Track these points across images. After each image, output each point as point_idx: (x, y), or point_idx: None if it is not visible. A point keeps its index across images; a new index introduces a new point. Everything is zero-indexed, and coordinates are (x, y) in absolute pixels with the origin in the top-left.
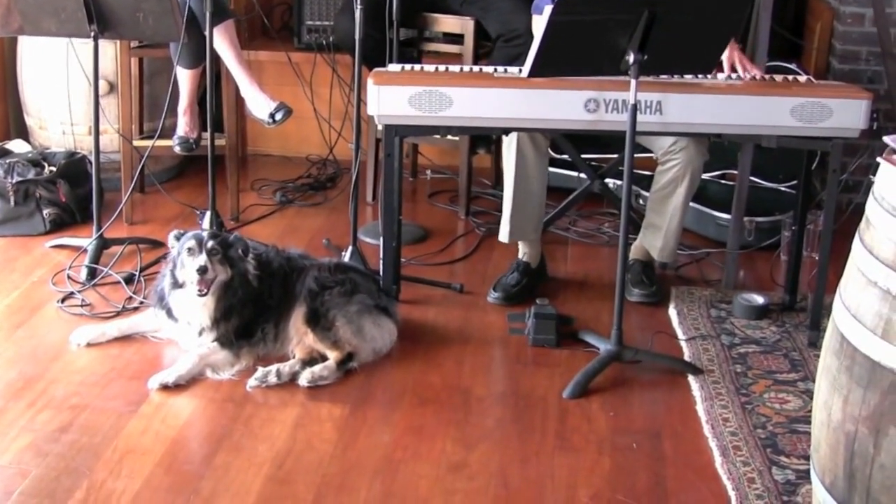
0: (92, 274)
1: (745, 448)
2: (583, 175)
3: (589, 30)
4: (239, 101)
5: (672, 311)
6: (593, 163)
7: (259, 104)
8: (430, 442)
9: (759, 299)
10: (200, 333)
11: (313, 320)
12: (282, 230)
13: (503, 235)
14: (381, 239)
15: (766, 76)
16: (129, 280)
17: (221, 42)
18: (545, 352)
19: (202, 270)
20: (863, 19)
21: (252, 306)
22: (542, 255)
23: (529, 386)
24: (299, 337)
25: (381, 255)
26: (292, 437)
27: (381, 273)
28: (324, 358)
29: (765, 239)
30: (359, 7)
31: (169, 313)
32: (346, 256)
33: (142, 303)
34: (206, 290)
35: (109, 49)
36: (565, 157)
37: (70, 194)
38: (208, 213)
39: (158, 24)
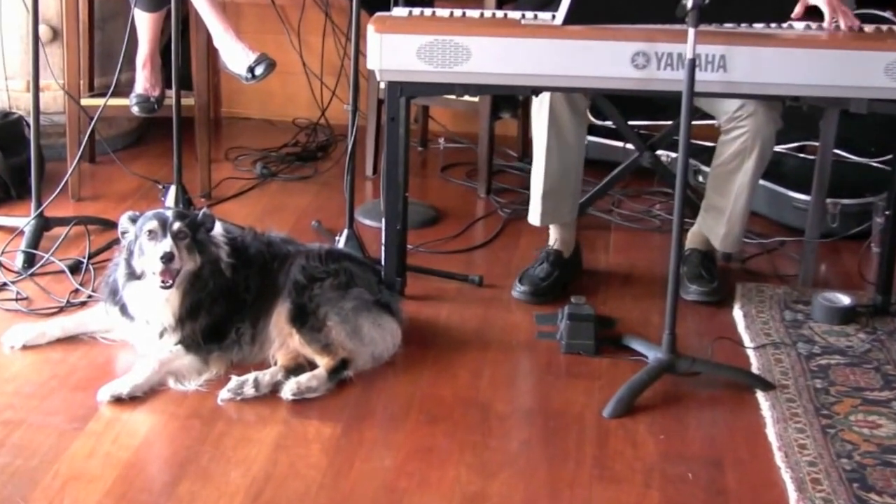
0: (30, 261)
1: (826, 482)
2: (629, 146)
3: None
4: (211, 53)
5: (737, 313)
6: (642, 131)
7: (235, 56)
8: (440, 469)
9: (845, 300)
10: (162, 335)
11: (300, 319)
12: (262, 209)
13: (533, 217)
14: (384, 221)
15: (859, 26)
16: (74, 269)
17: None
18: (581, 360)
19: (167, 258)
20: None
21: (225, 302)
22: (578, 243)
23: (562, 402)
24: (282, 339)
25: (383, 241)
26: (272, 462)
27: (382, 262)
28: (312, 365)
29: (852, 226)
30: None
31: (123, 310)
32: (341, 242)
33: (90, 297)
34: (170, 282)
35: None
36: (608, 123)
37: (2, 164)
38: (173, 189)
39: None
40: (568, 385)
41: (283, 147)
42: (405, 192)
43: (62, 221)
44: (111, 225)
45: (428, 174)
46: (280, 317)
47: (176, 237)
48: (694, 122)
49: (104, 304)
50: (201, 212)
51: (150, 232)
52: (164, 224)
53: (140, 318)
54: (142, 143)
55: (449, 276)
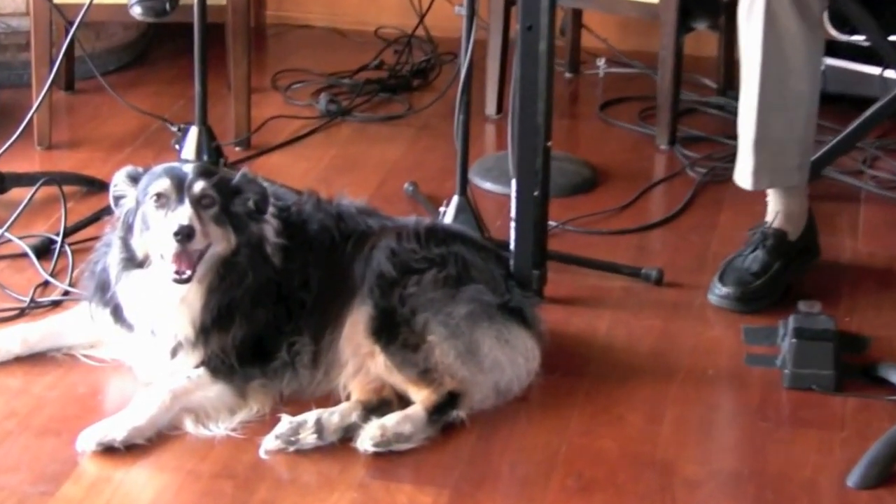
0: None
1: None
2: (891, 73)
3: None
4: None
5: None
6: None
7: None
8: None
9: None
10: (176, 352)
11: (386, 331)
12: (329, 165)
13: (742, 177)
14: (514, 185)
15: None
16: (42, 251)
17: None
18: (814, 399)
19: (183, 234)
20: None
21: (271, 303)
22: (811, 220)
23: (784, 462)
24: (359, 361)
25: (513, 215)
26: None
27: (511, 247)
28: (404, 401)
29: None
30: None
31: (117, 314)
32: (448, 215)
33: (67, 294)
34: (188, 272)
35: None
36: (858, 38)
37: None
38: (193, 132)
39: None
40: (794, 436)
41: (360, 71)
42: (547, 142)
43: (24, 180)
44: (98, 186)
45: (581, 114)
46: (356, 327)
47: (198, 204)
48: None
49: (88, 304)
50: (239, 174)
51: (159, 196)
52: (179, 184)
53: (143, 327)
54: (145, 62)
55: (612, 268)
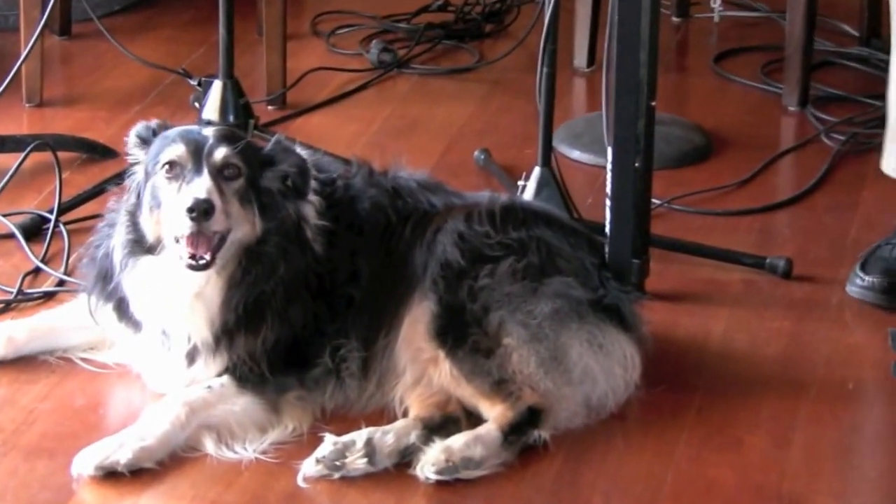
0: None
1: None
2: None
3: None
4: None
5: None
6: None
7: None
8: None
9: None
10: (192, 357)
11: (453, 332)
12: (382, 127)
13: (892, 164)
14: (610, 153)
15: None
16: (33, 232)
17: None
18: None
19: (200, 211)
20: None
21: (311, 299)
22: None
23: None
24: (419, 369)
25: (609, 191)
26: None
27: (606, 229)
28: (474, 418)
29: None
30: None
31: (122, 309)
32: (528, 190)
33: (62, 284)
34: (206, 258)
35: None
36: None
37: None
38: (217, 87)
39: None
40: None
41: (419, 13)
42: (651, 101)
43: (9, 144)
44: (101, 152)
45: (692, 67)
46: (416, 328)
47: (219, 175)
48: None
49: (88, 297)
50: (274, 140)
51: (172, 165)
52: (197, 151)
53: (152, 326)
54: (157, 1)
55: (730, 257)
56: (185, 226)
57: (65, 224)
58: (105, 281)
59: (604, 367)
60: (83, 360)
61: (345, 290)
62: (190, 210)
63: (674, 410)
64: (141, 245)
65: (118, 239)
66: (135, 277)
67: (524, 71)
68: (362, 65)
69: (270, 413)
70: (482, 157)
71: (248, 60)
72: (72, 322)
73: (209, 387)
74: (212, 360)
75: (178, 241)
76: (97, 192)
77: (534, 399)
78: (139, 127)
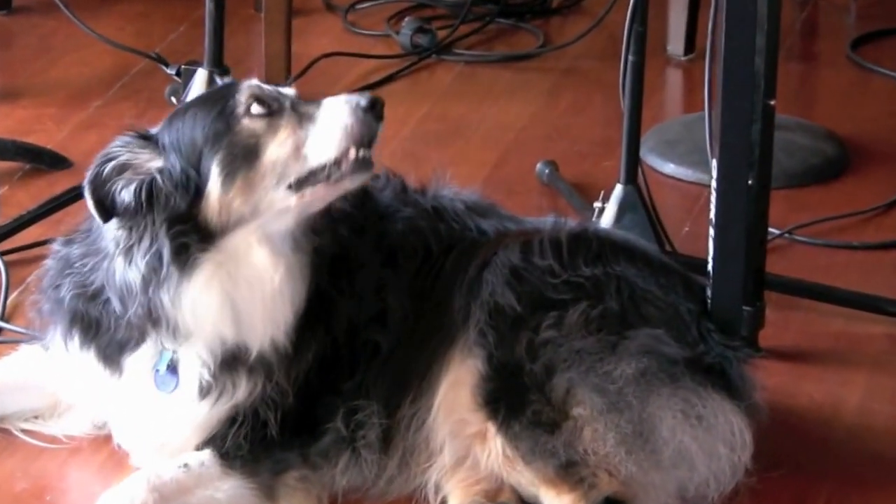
0: None
1: None
2: None
3: None
4: None
5: None
6: None
7: None
8: None
9: None
10: (208, 391)
11: (506, 399)
12: (417, 131)
13: None
14: (715, 167)
15: None
16: None
17: None
18: None
19: (381, 104)
20: None
21: (319, 341)
22: None
23: None
24: (462, 446)
25: (713, 217)
26: None
27: (709, 267)
28: None
29: None
30: None
31: (113, 347)
32: (607, 214)
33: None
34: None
35: None
36: None
37: None
38: (200, 77)
39: None
40: None
41: None
42: (769, 100)
43: None
44: (51, 160)
45: (822, 56)
46: (458, 392)
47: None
48: None
49: (63, 344)
50: None
51: (259, 101)
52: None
53: (209, 337)
54: None
55: (870, 304)
56: (365, 130)
57: (1, 255)
58: (84, 323)
59: (704, 445)
60: (25, 431)
61: (367, 334)
62: (372, 104)
63: (796, 502)
64: (196, 242)
65: (136, 257)
66: (196, 283)
67: (603, 59)
68: (391, 49)
69: (264, 500)
70: (547, 170)
71: (242, 42)
72: (10, 382)
73: (185, 465)
74: (230, 392)
75: (301, 185)
76: (46, 211)
77: (613, 487)
78: (128, 134)
